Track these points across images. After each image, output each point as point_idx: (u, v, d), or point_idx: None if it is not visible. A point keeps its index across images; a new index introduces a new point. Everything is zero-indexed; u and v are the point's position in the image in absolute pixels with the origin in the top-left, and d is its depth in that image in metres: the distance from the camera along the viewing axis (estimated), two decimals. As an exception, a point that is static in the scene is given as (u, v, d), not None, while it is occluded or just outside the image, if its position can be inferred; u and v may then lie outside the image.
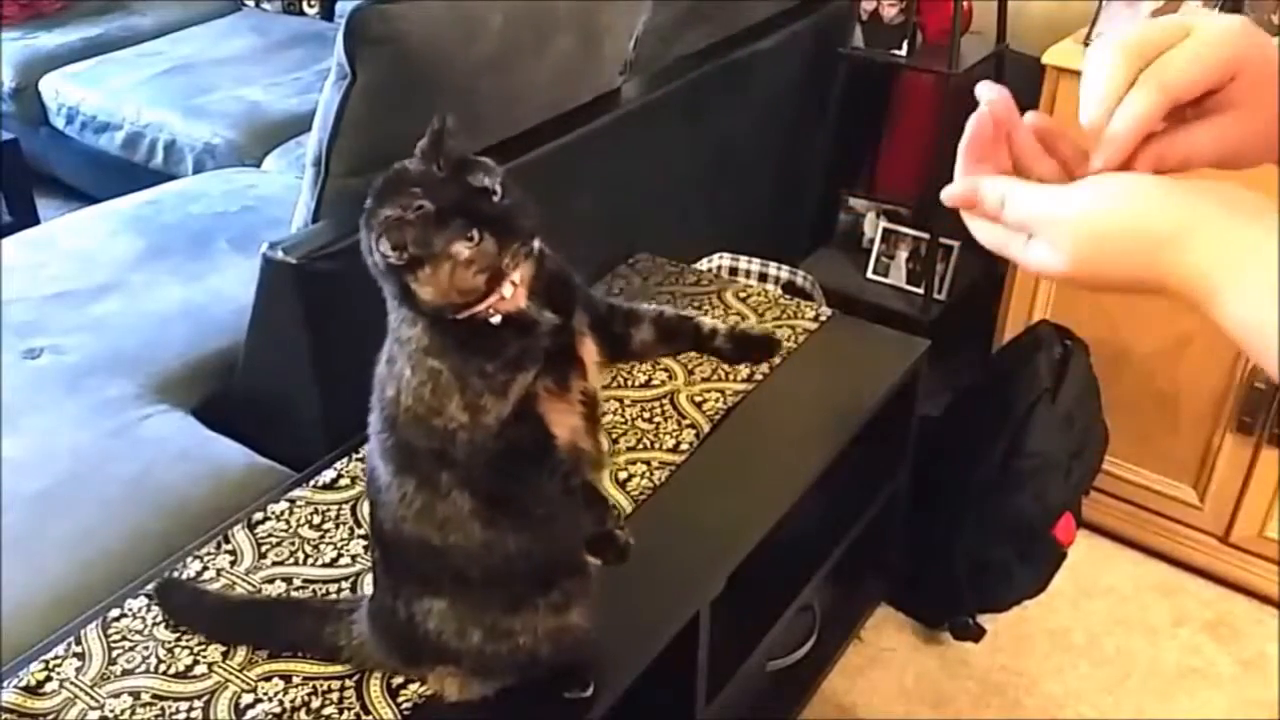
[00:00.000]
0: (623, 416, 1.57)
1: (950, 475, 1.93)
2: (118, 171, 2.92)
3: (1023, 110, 0.66)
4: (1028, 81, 1.92)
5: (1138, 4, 1.90)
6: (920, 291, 2.36)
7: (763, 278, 2.09)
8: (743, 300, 1.84)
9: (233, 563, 1.33)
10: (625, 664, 1.21)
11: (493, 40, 1.60)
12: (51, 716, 1.14)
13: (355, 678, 1.18)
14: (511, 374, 0.95)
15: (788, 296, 1.88)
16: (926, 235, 2.33)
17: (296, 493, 1.44)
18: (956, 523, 1.91)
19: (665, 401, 1.60)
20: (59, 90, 3.09)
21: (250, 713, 1.14)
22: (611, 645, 1.19)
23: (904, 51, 2.20)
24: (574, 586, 1.09)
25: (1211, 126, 0.62)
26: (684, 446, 1.52)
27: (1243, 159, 0.64)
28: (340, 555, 1.34)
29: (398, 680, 1.17)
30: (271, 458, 1.60)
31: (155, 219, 2.21)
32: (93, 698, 1.16)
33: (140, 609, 1.27)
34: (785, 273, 2.10)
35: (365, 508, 1.24)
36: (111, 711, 1.14)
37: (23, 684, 1.17)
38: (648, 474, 1.48)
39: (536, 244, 0.94)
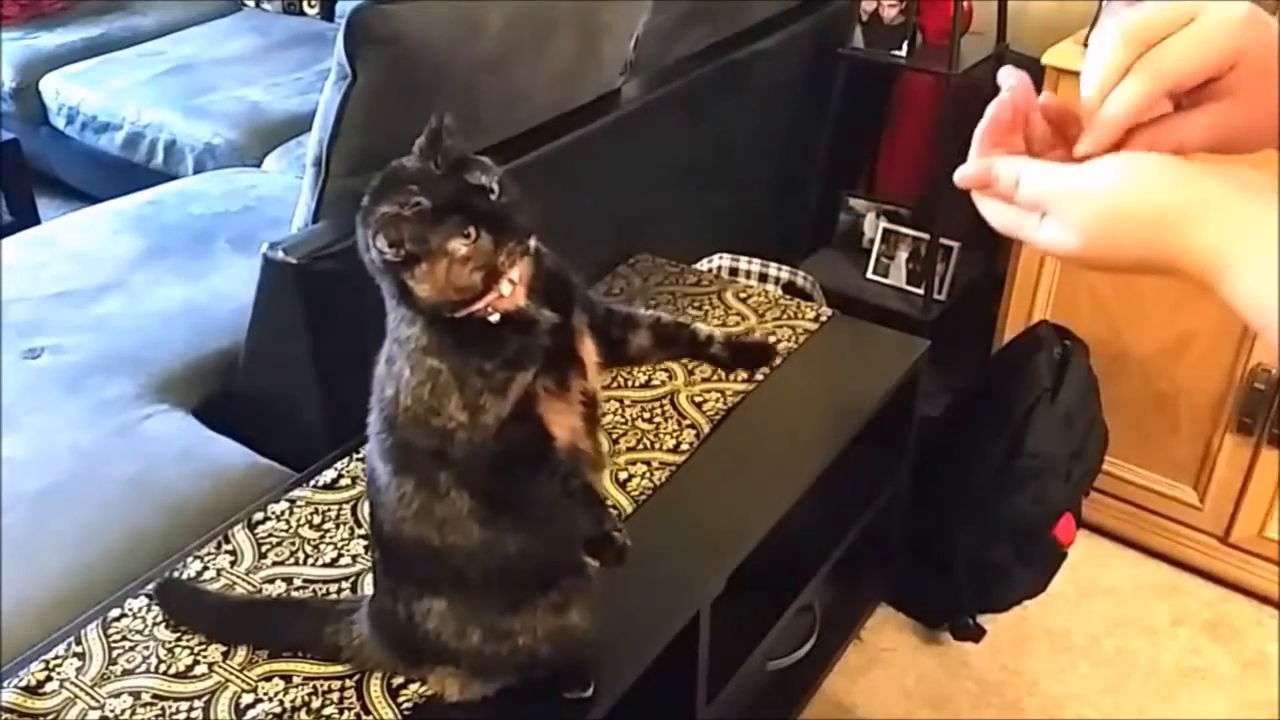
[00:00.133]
0: (623, 417, 1.57)
1: (950, 475, 1.93)
2: (118, 171, 2.92)
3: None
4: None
5: (1139, 4, 1.90)
6: (920, 292, 2.36)
7: (763, 278, 2.09)
8: (743, 300, 1.84)
9: (233, 563, 1.33)
10: (625, 664, 1.21)
11: (493, 40, 1.60)
12: (52, 716, 1.14)
13: (355, 678, 1.18)
14: (511, 373, 0.95)
15: (788, 297, 1.88)
16: (926, 236, 2.32)
17: (297, 493, 1.44)
18: (956, 523, 1.91)
19: (665, 402, 1.60)
20: (59, 90, 3.09)
21: (250, 713, 1.14)
22: (612, 645, 1.19)
23: (904, 52, 2.20)
24: (574, 587, 1.09)
25: (1207, 114, 0.62)
26: (684, 447, 1.53)
27: (1239, 146, 0.63)
28: (340, 555, 1.34)
29: (398, 680, 1.17)
30: (272, 458, 1.60)
31: (156, 219, 2.21)
32: (93, 698, 1.16)
33: (140, 609, 1.27)
34: (785, 273, 2.10)
35: (365, 508, 1.24)
36: (112, 711, 1.14)
37: (23, 684, 1.17)
38: (648, 474, 1.48)
39: (533, 242, 0.94)
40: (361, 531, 1.36)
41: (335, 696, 1.16)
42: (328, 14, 3.41)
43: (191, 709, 1.14)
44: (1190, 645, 2.00)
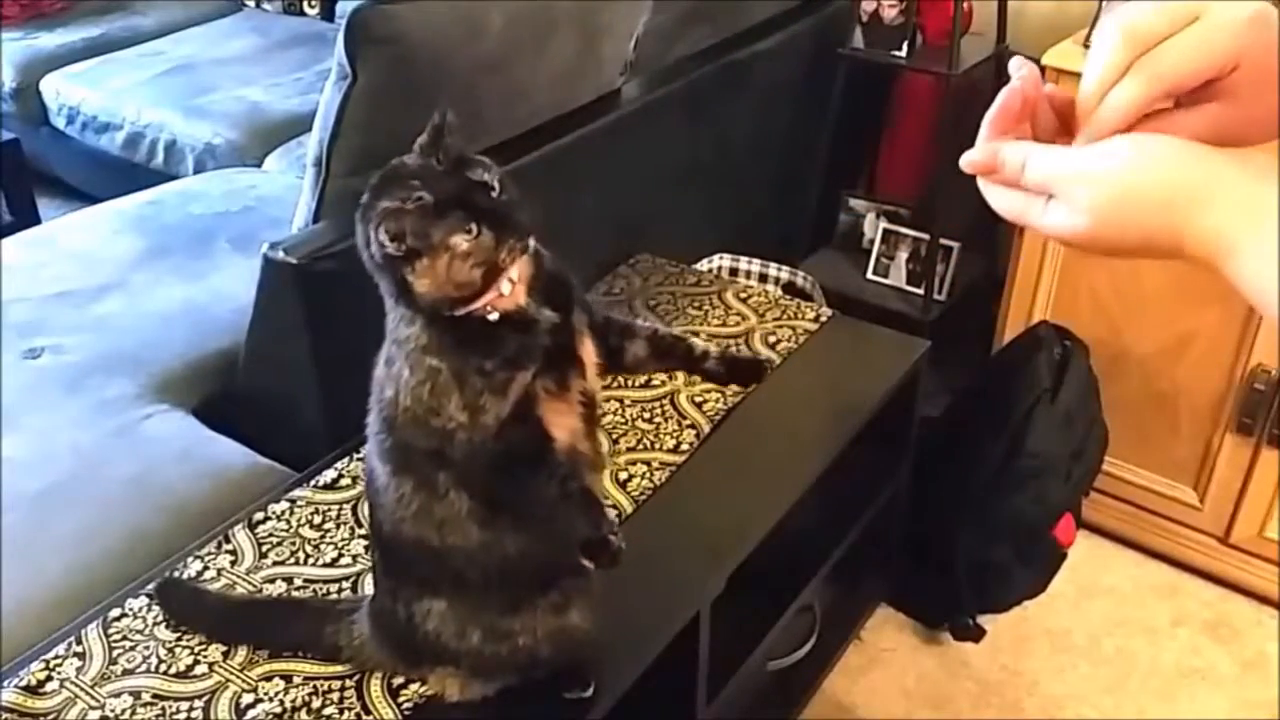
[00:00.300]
0: (623, 417, 1.57)
1: (950, 475, 1.93)
2: (118, 171, 2.92)
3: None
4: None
5: (1139, 3, 1.90)
6: (920, 292, 2.36)
7: (763, 278, 2.09)
8: (743, 301, 1.84)
9: (233, 562, 1.33)
10: (625, 664, 1.22)
11: (493, 40, 1.60)
12: (52, 716, 1.14)
13: (356, 678, 1.18)
14: (510, 372, 0.95)
15: (788, 297, 1.88)
16: (926, 236, 2.32)
17: (297, 493, 1.44)
18: (956, 523, 1.91)
19: (665, 402, 1.60)
20: (60, 90, 3.09)
21: (251, 713, 1.14)
22: (612, 645, 1.19)
23: (904, 52, 2.20)
24: (574, 587, 1.09)
25: (1206, 113, 0.62)
26: (684, 447, 1.53)
27: (1237, 143, 0.63)
28: (341, 555, 1.34)
29: (398, 680, 1.17)
30: (272, 458, 1.60)
31: (156, 219, 2.21)
32: (93, 697, 1.16)
33: (141, 609, 1.27)
34: (785, 273, 2.10)
35: (366, 508, 1.24)
36: (112, 711, 1.14)
37: (23, 684, 1.17)
38: (648, 474, 1.48)
39: (533, 242, 0.94)
40: (362, 531, 1.36)
41: (335, 696, 1.16)
42: (328, 14, 3.40)
43: (192, 709, 1.14)
44: (1190, 645, 2.00)
